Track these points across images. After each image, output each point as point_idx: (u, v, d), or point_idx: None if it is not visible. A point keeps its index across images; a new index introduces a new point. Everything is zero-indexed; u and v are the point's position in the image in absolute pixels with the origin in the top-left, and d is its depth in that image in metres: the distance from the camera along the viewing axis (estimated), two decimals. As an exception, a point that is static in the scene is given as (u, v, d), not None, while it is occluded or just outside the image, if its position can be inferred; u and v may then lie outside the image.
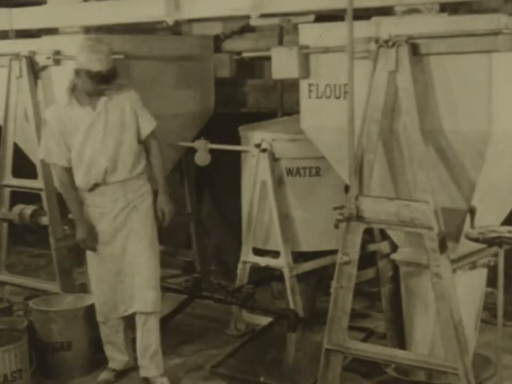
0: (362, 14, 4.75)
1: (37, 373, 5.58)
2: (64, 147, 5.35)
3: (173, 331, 6.31)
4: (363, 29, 4.74)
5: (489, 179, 4.76)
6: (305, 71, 5.11)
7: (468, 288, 5.01)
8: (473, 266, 4.99)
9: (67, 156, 5.36)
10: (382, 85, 4.67)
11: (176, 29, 6.96)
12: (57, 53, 6.36)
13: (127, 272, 5.44)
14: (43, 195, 6.49)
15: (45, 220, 6.56)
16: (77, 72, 5.24)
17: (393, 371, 5.14)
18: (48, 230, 6.52)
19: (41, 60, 6.45)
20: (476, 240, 4.69)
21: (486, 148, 4.57)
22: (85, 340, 5.82)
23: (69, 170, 5.39)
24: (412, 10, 4.74)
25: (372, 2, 4.81)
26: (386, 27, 4.70)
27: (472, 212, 4.71)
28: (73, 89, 5.35)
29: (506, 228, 4.77)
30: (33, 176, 6.60)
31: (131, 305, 5.49)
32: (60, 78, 6.41)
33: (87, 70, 5.17)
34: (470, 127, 4.55)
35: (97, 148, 5.32)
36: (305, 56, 5.09)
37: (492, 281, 4.92)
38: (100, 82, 5.21)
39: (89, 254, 5.54)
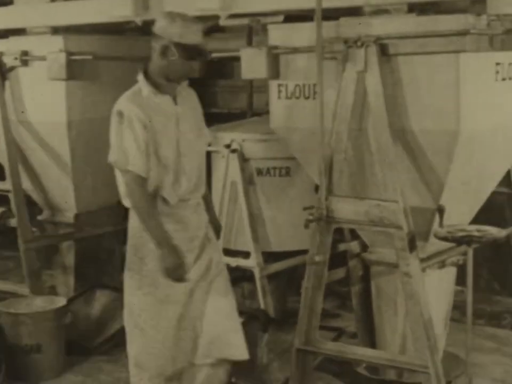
0: (331, 15, 4.76)
1: (6, 376, 5.54)
2: (145, 150, 4.25)
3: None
4: (332, 29, 4.75)
5: (457, 178, 4.79)
6: (275, 72, 5.11)
7: (437, 287, 5.04)
8: (443, 265, 5.03)
9: (147, 162, 4.26)
10: (351, 85, 4.68)
11: (145, 29, 6.93)
12: (25, 53, 6.32)
13: (196, 315, 4.43)
14: (11, 197, 6.44)
15: (13, 222, 6.51)
16: (164, 49, 4.29)
17: (364, 370, 5.16)
18: (17, 232, 6.47)
19: (8, 60, 6.40)
20: (445, 239, 4.71)
21: (454, 147, 4.60)
22: (55, 342, 5.78)
23: (145, 181, 4.30)
24: (381, 11, 4.75)
25: (341, 3, 4.82)
26: (355, 27, 4.72)
27: (441, 211, 4.74)
28: (147, 75, 4.41)
29: (474, 227, 4.80)
30: (1, 177, 6.56)
31: (197, 355, 4.45)
32: (27, 79, 6.38)
33: (184, 43, 4.27)
34: (438, 127, 4.57)
35: (185, 151, 4.37)
36: (274, 56, 5.09)
37: (461, 279, 4.95)
38: (194, 61, 4.33)
39: (143, 289, 4.40)
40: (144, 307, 4.37)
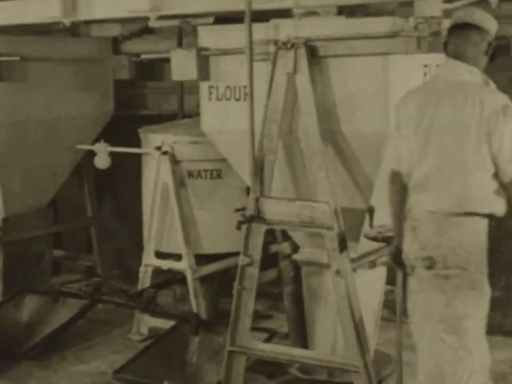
0: (261, 17, 4.77)
1: None
2: None
3: (74, 337, 6.22)
4: (262, 31, 4.76)
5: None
6: (205, 73, 5.10)
7: (368, 287, 5.08)
8: (373, 265, 5.07)
9: None
10: (281, 87, 4.70)
11: (74, 30, 6.87)
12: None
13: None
14: None
15: None
16: (488, 47, 4.04)
17: (296, 371, 5.18)
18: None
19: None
20: (375, 239, 4.75)
21: (383, 148, 4.64)
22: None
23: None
24: (310, 13, 4.78)
25: (270, 5, 4.84)
26: (284, 29, 4.73)
27: (370, 211, 4.78)
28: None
29: (404, 227, 4.85)
30: None
31: None
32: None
33: (494, 38, 4.05)
34: (367, 128, 4.62)
35: None
36: (204, 58, 5.08)
37: (391, 279, 5.00)
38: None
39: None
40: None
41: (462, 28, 4.03)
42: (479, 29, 4.01)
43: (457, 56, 4.02)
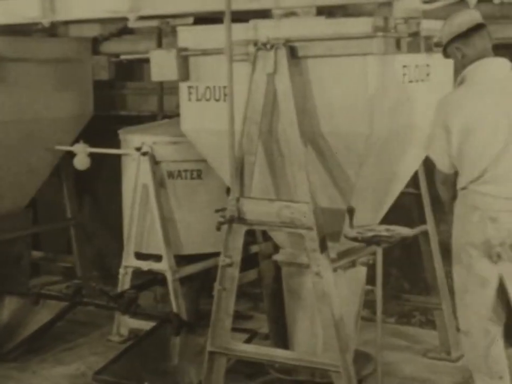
0: (241, 17, 4.77)
1: None
2: None
3: (54, 339, 6.20)
4: (242, 31, 4.76)
5: (367, 179, 4.85)
6: (185, 74, 5.09)
7: (348, 287, 5.10)
8: (353, 265, 5.09)
9: None
10: (261, 87, 4.69)
11: (53, 30, 6.84)
12: None
13: None
14: None
15: None
16: None
17: (276, 371, 5.17)
18: None
19: None
20: (355, 239, 4.77)
21: (363, 149, 4.66)
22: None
23: None
24: (290, 14, 4.78)
25: (250, 5, 4.83)
26: (264, 30, 4.73)
27: (350, 211, 4.79)
28: None
29: (383, 227, 4.87)
30: None
31: None
32: None
33: None
34: (347, 129, 4.62)
35: None
36: (184, 58, 5.07)
37: (371, 279, 5.01)
38: None
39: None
40: None
41: (478, 29, 4.40)
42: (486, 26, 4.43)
43: (485, 54, 4.39)
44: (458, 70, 4.52)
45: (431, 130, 4.47)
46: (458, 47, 4.40)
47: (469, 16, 4.41)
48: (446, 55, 4.51)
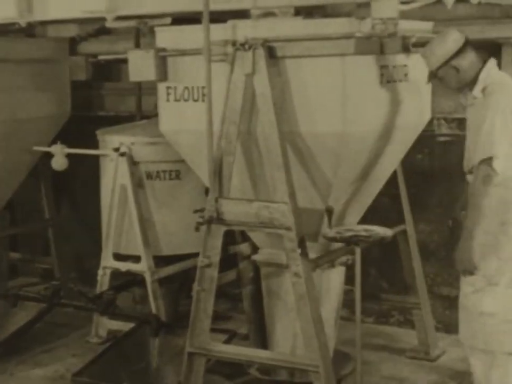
0: (219, 17, 4.76)
1: None
2: None
3: (32, 340, 6.16)
4: (220, 32, 4.76)
5: (345, 179, 4.86)
6: (163, 74, 5.09)
7: (327, 286, 5.11)
8: (332, 265, 5.09)
9: None
10: (239, 88, 4.69)
11: (30, 31, 6.80)
12: None
13: None
14: None
15: None
16: None
17: (256, 371, 5.18)
18: None
19: None
20: (334, 239, 4.78)
21: (341, 149, 4.67)
22: None
23: None
24: (268, 14, 4.79)
25: (228, 6, 4.83)
26: (242, 30, 4.73)
27: (329, 211, 4.80)
28: None
29: (362, 227, 4.89)
30: None
31: None
32: None
33: None
34: (325, 129, 4.63)
35: None
36: (162, 59, 5.06)
37: (350, 279, 5.02)
38: None
39: None
40: None
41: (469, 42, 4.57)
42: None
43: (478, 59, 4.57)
44: (452, 86, 4.63)
45: (489, 137, 4.43)
46: (455, 64, 4.49)
47: (455, 32, 4.53)
48: (436, 76, 4.59)
